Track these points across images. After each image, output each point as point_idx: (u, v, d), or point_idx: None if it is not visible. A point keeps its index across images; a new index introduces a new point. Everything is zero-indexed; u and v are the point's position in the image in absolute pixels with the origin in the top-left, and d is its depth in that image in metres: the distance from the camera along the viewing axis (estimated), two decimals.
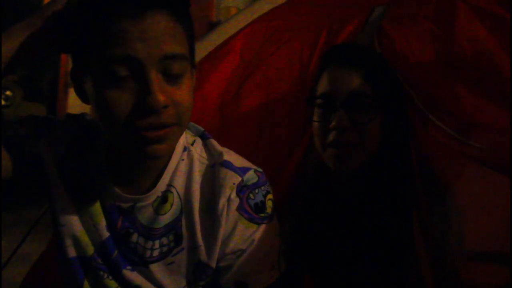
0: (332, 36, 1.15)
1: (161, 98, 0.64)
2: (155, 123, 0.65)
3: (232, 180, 0.77)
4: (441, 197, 0.95)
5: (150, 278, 0.79)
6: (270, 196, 0.80)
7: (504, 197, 0.85)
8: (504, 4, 0.86)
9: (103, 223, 0.78)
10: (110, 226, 0.78)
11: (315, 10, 1.18)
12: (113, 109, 0.65)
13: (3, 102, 4.05)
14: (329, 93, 0.96)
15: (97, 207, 0.78)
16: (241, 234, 0.77)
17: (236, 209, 0.76)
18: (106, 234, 0.78)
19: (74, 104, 4.66)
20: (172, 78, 0.67)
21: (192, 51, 0.72)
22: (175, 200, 0.77)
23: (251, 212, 0.77)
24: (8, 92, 4.11)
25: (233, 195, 0.76)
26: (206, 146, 0.82)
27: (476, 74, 0.89)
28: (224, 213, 0.76)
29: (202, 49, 1.16)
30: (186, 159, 0.79)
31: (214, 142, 0.83)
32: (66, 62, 4.76)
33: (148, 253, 0.77)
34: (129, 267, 0.79)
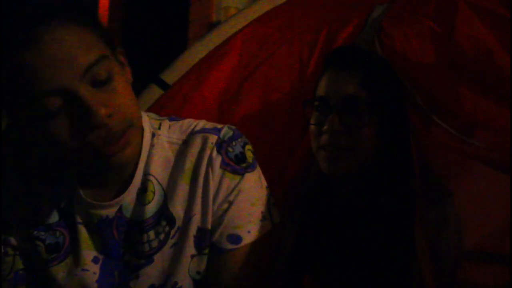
0: (332, 36, 1.15)
1: (102, 110, 0.61)
2: (109, 136, 0.63)
3: (209, 140, 0.77)
4: (442, 197, 0.95)
5: (157, 270, 0.78)
6: (248, 146, 0.81)
7: (504, 197, 0.85)
8: (505, 3, 0.86)
9: (89, 257, 0.77)
10: (107, 244, 0.77)
11: (315, 10, 1.18)
12: (59, 140, 0.62)
13: None
14: (325, 96, 0.97)
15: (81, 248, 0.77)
16: (227, 187, 0.77)
17: (219, 167, 0.77)
18: (97, 269, 0.77)
19: None
20: (102, 84, 0.63)
21: (111, 46, 0.68)
22: (156, 187, 0.77)
23: (233, 164, 0.78)
24: None
25: (214, 153, 0.77)
26: (176, 126, 0.82)
27: (476, 73, 0.89)
28: (210, 173, 0.76)
29: (202, 49, 1.16)
30: (156, 144, 0.78)
31: (181, 121, 0.82)
32: None
33: (147, 246, 0.77)
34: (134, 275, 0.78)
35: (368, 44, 1.12)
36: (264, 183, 0.83)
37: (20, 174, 0.78)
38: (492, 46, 0.86)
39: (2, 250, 0.76)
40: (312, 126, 0.99)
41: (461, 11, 0.91)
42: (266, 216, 0.81)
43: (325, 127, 0.94)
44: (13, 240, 0.77)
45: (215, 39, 1.17)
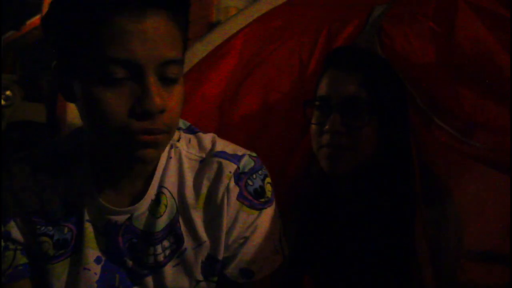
0: (332, 36, 1.15)
1: (158, 101, 0.62)
2: (149, 128, 0.63)
3: (228, 169, 0.75)
4: (442, 197, 0.95)
5: (160, 284, 0.77)
6: (268, 179, 0.79)
7: (504, 197, 0.85)
8: (505, 3, 0.86)
9: (92, 257, 0.76)
10: (110, 247, 0.76)
11: (315, 10, 1.18)
12: (107, 111, 0.62)
13: (3, 102, 4.04)
14: (326, 96, 0.97)
15: (84, 247, 0.76)
16: (244, 222, 0.76)
17: (236, 198, 0.75)
18: (98, 270, 0.76)
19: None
20: (167, 83, 0.65)
21: (184, 55, 0.71)
22: (168, 201, 0.75)
23: (252, 198, 0.76)
24: (8, 92, 4.10)
25: (232, 184, 0.74)
26: (195, 140, 0.80)
27: (476, 74, 0.89)
28: (225, 203, 0.74)
29: (202, 49, 1.16)
30: (174, 157, 0.77)
31: (201, 135, 0.81)
32: None
33: (151, 259, 0.76)
34: None
35: (368, 44, 1.12)
36: (277, 214, 0.81)
37: (29, 166, 0.77)
38: (492, 46, 0.86)
39: (3, 244, 0.75)
40: (313, 126, 0.99)
41: (461, 11, 0.91)
42: (278, 249, 0.80)
43: (326, 127, 0.94)
44: (15, 235, 0.75)
45: (215, 39, 1.17)
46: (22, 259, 0.76)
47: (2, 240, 0.75)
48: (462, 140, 0.89)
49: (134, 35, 0.61)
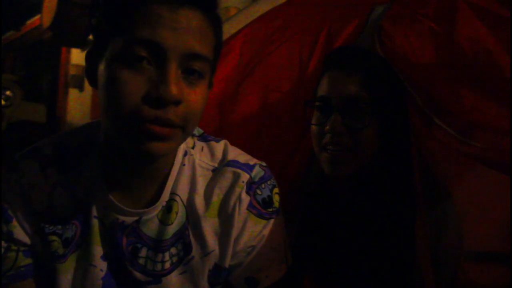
0: (332, 36, 1.15)
1: (175, 90, 0.61)
2: (162, 118, 0.62)
3: (241, 178, 0.76)
4: (442, 198, 0.95)
5: None
6: (276, 190, 0.79)
7: (504, 197, 0.85)
8: (505, 4, 0.86)
9: (99, 253, 0.75)
10: (113, 247, 0.75)
11: (315, 10, 1.18)
12: (124, 90, 0.61)
13: (3, 102, 4.05)
14: (326, 97, 0.96)
15: (93, 241, 0.75)
16: (251, 231, 0.76)
17: (246, 208, 0.76)
18: (104, 266, 0.75)
19: (74, 104, 4.67)
20: (190, 78, 0.65)
21: (216, 60, 0.71)
22: (179, 208, 0.75)
23: (260, 208, 0.77)
24: (8, 92, 4.11)
25: (244, 194, 0.75)
26: (207, 149, 0.80)
27: (476, 74, 0.89)
28: (236, 212, 0.75)
29: None
30: (187, 164, 0.77)
31: (214, 144, 0.81)
32: (66, 62, 4.76)
33: (159, 266, 0.75)
34: None
35: (368, 44, 1.12)
36: (284, 225, 0.82)
37: (37, 162, 0.75)
38: (492, 47, 0.86)
39: (5, 245, 0.74)
40: (313, 127, 0.99)
41: (461, 11, 0.91)
42: (283, 259, 0.81)
43: (327, 128, 0.94)
44: (18, 235, 0.74)
45: None
46: (25, 260, 0.75)
47: (3, 241, 0.74)
48: (462, 140, 0.89)
49: (166, 21, 0.61)
